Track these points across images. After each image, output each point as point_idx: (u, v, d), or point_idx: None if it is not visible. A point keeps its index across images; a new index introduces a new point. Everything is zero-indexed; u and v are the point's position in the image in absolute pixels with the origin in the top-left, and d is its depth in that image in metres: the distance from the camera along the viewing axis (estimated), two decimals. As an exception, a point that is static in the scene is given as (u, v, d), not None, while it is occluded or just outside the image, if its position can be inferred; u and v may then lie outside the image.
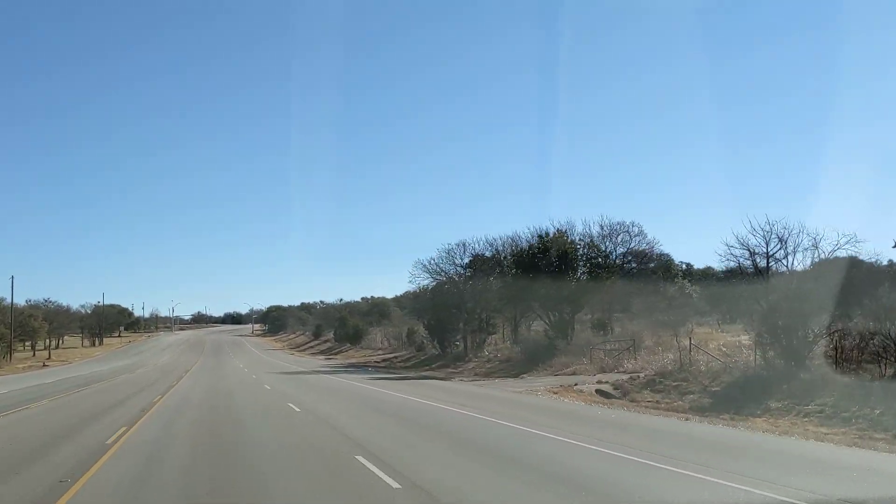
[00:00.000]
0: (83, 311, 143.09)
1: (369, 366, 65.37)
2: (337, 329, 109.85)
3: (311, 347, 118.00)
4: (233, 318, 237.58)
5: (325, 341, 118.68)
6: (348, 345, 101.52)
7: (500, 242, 59.35)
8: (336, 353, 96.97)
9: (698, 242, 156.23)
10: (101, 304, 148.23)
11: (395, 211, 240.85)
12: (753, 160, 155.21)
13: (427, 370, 55.56)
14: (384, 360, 71.82)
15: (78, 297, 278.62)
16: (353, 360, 76.68)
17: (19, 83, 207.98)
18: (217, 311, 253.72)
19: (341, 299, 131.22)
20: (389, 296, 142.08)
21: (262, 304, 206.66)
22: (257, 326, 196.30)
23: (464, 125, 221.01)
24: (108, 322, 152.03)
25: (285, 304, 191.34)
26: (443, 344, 63.67)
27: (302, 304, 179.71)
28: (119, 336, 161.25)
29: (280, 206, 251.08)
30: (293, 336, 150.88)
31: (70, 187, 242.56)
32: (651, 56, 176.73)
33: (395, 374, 51.45)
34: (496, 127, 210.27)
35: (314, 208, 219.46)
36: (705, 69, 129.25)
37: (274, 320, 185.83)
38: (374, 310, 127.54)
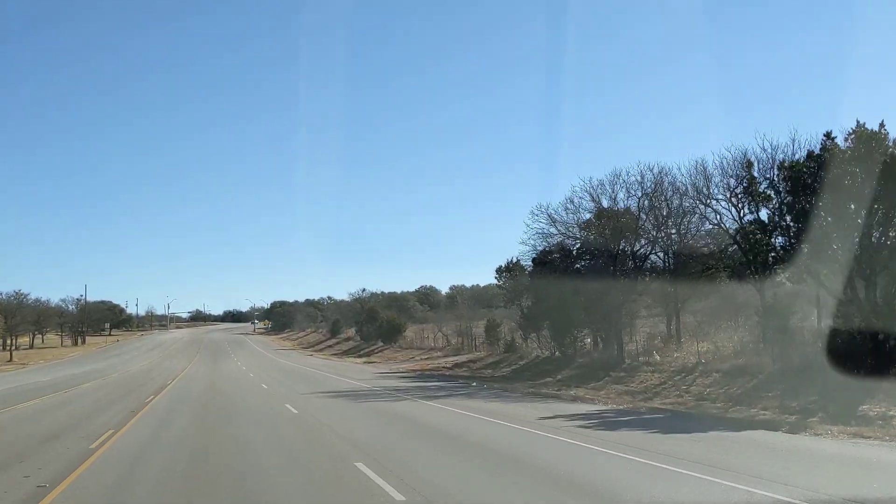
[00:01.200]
0: (64, 306, 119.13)
1: (461, 376, 41.21)
2: (363, 325, 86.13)
3: (330, 347, 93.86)
4: (233, 316, 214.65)
5: (346, 339, 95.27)
6: (381, 343, 78.24)
7: (665, 183, 35.52)
8: (368, 354, 73.03)
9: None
10: (83, 298, 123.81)
11: (401, 206, 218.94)
12: (760, 116, 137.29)
13: (553, 382, 31.86)
14: (456, 366, 48.01)
15: (69, 293, 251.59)
16: (409, 365, 52.49)
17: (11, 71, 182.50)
18: (216, 309, 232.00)
19: (364, 289, 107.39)
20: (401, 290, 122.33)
21: (263, 302, 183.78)
22: (260, 324, 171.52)
23: (473, 117, 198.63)
24: (93, 319, 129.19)
25: (290, 300, 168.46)
26: (561, 343, 40.08)
27: (307, 300, 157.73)
28: (108, 334, 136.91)
29: (283, 198, 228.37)
30: (303, 334, 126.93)
31: (65, 181, 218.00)
32: (653, 11, 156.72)
33: (559, 394, 27.34)
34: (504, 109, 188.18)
35: (320, 200, 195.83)
36: (704, 22, 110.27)
37: (278, 317, 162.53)
38: (394, 304, 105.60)
